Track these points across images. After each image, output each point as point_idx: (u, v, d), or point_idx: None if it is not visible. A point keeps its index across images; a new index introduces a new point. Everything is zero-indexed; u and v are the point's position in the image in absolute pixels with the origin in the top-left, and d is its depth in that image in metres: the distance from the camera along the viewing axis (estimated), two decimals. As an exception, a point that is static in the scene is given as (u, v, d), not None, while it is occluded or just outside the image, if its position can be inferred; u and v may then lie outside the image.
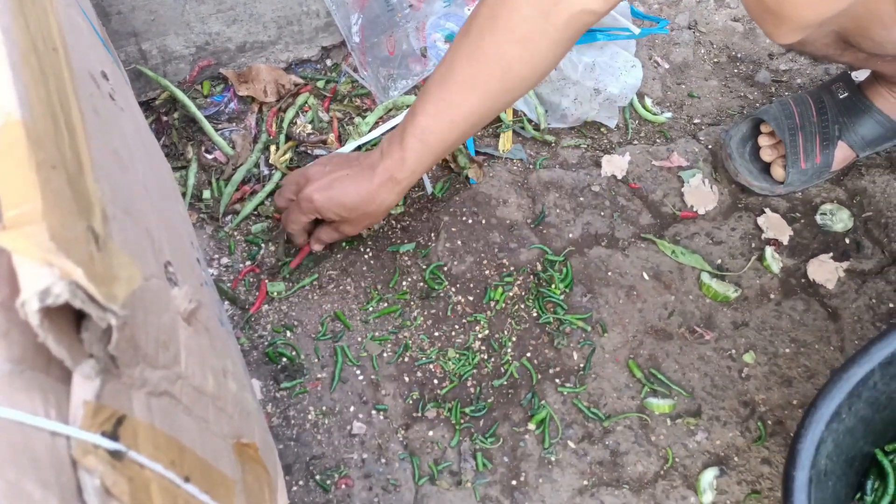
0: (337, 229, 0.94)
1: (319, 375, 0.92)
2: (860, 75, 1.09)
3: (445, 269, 1.01)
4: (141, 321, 0.42)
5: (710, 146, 1.15)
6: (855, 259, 1.04)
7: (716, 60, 1.27)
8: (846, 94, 1.05)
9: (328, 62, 1.19)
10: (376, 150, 0.90)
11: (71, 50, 0.51)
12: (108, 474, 0.34)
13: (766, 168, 1.09)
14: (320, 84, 1.15)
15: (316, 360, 0.93)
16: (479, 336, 0.97)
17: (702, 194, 1.10)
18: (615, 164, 1.13)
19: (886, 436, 0.85)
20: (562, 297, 1.00)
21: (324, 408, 0.90)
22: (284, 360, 0.93)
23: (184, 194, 1.04)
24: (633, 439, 0.91)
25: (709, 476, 0.88)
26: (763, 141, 1.09)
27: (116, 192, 0.46)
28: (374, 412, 0.91)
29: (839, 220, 1.07)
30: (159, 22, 1.02)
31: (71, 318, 0.37)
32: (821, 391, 0.72)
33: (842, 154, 1.06)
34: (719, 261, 1.04)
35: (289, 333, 0.95)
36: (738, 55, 1.28)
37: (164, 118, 1.10)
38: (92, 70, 0.57)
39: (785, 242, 1.05)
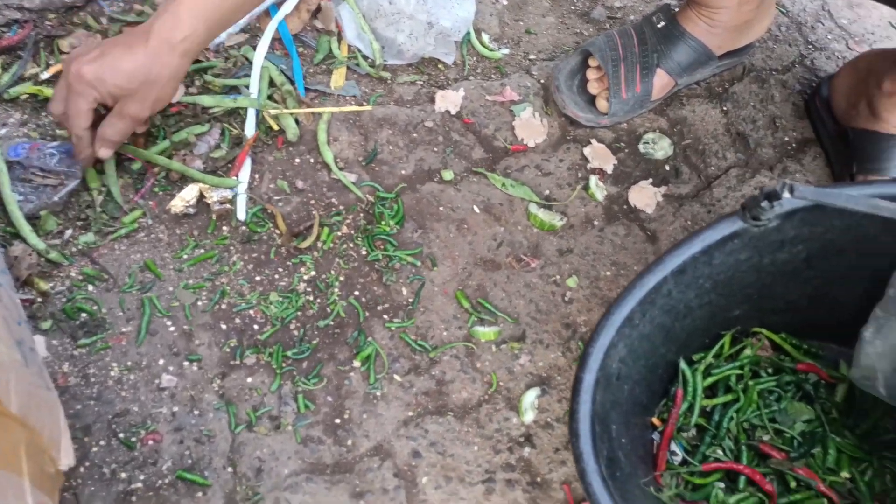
0: (122, 113, 0.81)
1: (124, 329, 0.87)
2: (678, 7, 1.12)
3: (269, 210, 0.97)
4: None
5: (542, 80, 1.15)
6: (673, 184, 1.09)
7: (552, -4, 1.28)
8: (664, 24, 1.08)
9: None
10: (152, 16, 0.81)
11: None
12: None
13: (592, 100, 1.11)
14: None
15: (121, 314, 0.88)
16: (305, 278, 0.94)
17: (532, 127, 1.10)
18: (449, 100, 1.11)
19: (692, 345, 0.90)
20: (392, 233, 0.98)
21: (129, 363, 0.85)
22: (84, 315, 0.87)
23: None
24: (458, 367, 0.92)
25: (530, 396, 0.90)
26: (590, 74, 1.11)
27: None
28: (186, 363, 0.86)
29: (660, 147, 1.11)
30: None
31: None
32: (615, 299, 0.75)
33: (661, 82, 1.09)
34: (547, 192, 1.06)
35: (90, 287, 0.88)
36: (575, -9, 1.29)
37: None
38: None
39: (609, 171, 1.08)
